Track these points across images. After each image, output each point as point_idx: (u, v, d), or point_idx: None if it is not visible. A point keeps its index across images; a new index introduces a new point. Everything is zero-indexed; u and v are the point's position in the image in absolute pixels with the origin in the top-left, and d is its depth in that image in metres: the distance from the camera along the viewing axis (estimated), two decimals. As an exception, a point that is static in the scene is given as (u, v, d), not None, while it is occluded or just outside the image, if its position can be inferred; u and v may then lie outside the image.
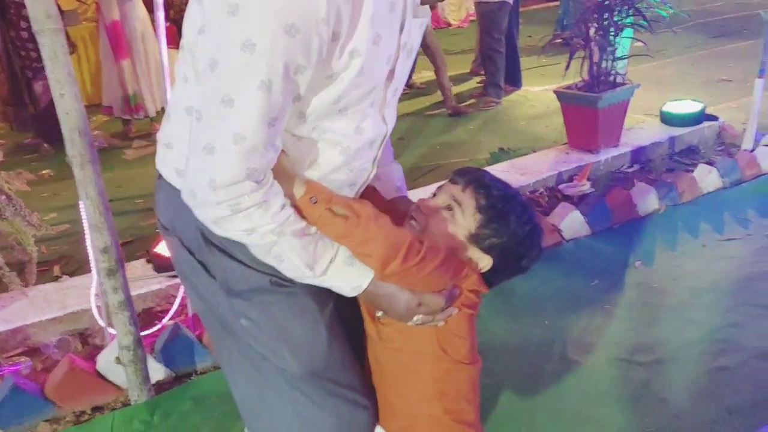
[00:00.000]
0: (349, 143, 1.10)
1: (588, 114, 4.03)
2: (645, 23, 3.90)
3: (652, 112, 4.93)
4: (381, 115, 1.15)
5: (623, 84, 4.07)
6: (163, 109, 6.02)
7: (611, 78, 4.05)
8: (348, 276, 1.11)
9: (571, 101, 4.14)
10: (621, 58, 4.05)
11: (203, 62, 0.95)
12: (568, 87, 4.20)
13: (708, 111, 4.66)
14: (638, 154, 4.25)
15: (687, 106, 4.60)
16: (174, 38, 6.27)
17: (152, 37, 5.88)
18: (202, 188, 1.00)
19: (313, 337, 1.18)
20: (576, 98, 4.08)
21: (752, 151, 4.17)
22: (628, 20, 3.87)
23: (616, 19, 3.82)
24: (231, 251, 1.13)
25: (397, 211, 1.29)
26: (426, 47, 5.69)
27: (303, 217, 1.08)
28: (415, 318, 1.16)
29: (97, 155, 1.97)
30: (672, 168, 4.16)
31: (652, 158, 4.27)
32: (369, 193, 1.29)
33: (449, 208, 1.21)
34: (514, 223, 1.22)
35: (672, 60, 7.27)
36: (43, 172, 4.82)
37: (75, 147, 1.90)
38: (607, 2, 3.73)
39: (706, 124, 4.55)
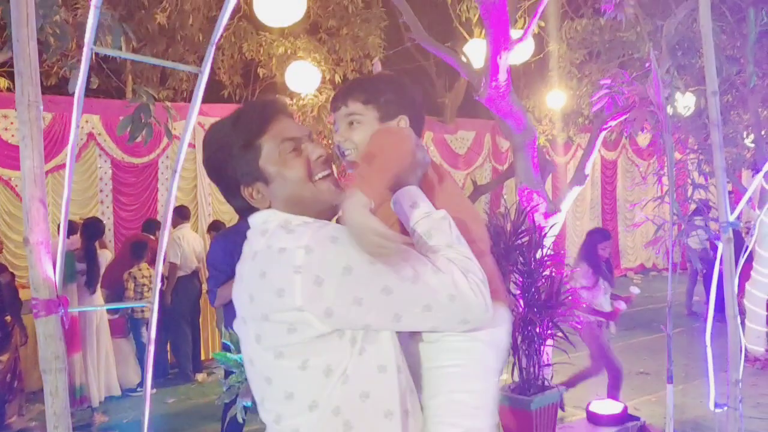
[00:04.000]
0: None
1: (522, 415, 4.36)
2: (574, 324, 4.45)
3: (580, 405, 5.29)
4: None
5: (551, 387, 4.49)
6: (106, 398, 6.06)
7: (540, 381, 4.46)
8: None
9: (505, 402, 4.49)
10: (547, 365, 4.52)
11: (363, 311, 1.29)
12: (502, 388, 4.58)
13: (629, 404, 5.06)
14: (571, 453, 4.51)
15: (610, 406, 5.00)
16: (121, 329, 6.55)
17: (106, 329, 6.14)
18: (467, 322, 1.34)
19: None
20: (510, 400, 4.44)
21: (674, 452, 4.49)
22: (548, 332, 4.41)
23: (538, 330, 4.36)
24: None
25: None
26: None
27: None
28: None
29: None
30: (603, 467, 4.41)
31: (585, 457, 4.53)
32: None
33: (351, 123, 1.54)
34: (391, 82, 1.58)
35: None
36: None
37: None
38: (530, 317, 4.29)
39: (629, 423, 4.92)
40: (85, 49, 1.69)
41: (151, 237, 6.84)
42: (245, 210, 1.50)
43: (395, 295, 1.29)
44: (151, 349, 2.42)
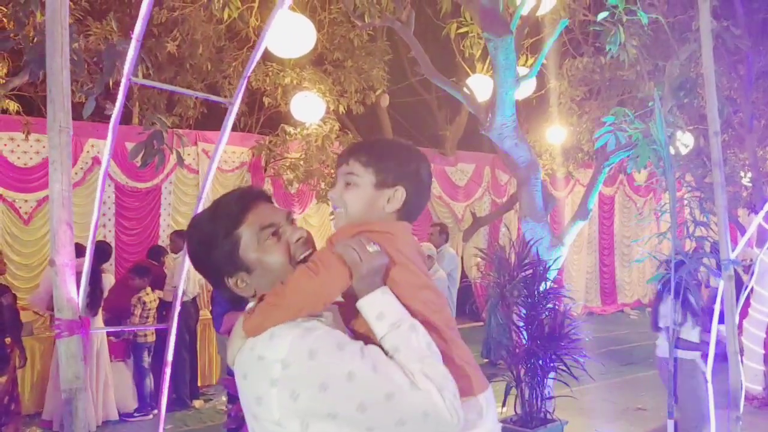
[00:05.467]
0: None
1: (525, 447, 4.37)
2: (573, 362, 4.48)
3: (579, 440, 5.31)
4: None
5: (554, 420, 4.51)
6: (104, 422, 6.03)
7: (542, 414, 4.48)
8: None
9: (508, 435, 4.50)
10: (549, 398, 4.54)
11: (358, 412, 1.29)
12: (504, 420, 4.59)
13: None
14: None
15: (611, 441, 5.02)
16: (121, 352, 6.53)
17: (105, 352, 6.13)
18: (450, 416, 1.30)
19: None
20: (512, 433, 4.45)
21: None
22: (551, 365, 4.45)
23: (541, 363, 4.39)
24: None
25: None
26: None
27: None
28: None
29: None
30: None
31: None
32: None
33: (348, 183, 1.47)
34: (397, 149, 1.49)
35: (590, 386, 7.88)
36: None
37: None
38: (533, 349, 4.33)
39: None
40: (123, 80, 1.76)
41: (155, 263, 6.86)
42: (235, 300, 1.50)
43: (369, 411, 1.29)
44: (168, 371, 2.46)
